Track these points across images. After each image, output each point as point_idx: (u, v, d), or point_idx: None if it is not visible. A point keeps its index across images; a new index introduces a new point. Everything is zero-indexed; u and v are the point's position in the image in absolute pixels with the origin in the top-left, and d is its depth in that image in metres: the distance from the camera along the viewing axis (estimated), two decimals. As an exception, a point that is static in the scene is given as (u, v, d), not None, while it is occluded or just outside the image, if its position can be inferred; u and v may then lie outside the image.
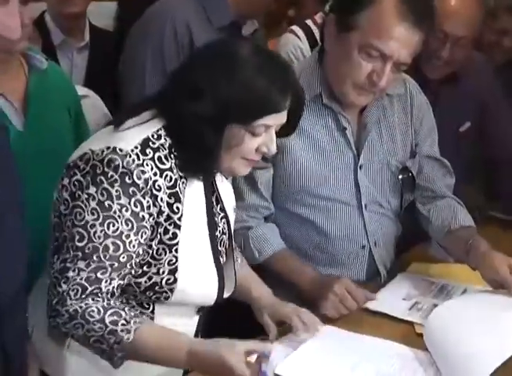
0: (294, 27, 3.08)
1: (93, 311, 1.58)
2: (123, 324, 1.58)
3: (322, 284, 2.07)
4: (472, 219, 2.27)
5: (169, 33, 2.52)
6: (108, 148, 1.62)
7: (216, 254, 1.80)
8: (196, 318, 1.86)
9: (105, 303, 1.60)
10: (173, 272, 1.69)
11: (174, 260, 1.69)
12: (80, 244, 1.60)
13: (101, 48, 3.12)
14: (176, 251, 1.69)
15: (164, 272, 1.68)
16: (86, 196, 1.61)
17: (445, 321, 1.96)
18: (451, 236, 2.22)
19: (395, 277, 2.30)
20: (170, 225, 1.68)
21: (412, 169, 2.28)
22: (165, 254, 1.68)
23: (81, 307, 1.59)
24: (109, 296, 1.62)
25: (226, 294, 1.85)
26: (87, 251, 1.60)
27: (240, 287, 1.93)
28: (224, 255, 1.87)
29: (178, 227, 1.68)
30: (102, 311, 1.58)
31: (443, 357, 1.86)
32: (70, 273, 1.59)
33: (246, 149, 1.71)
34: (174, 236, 1.68)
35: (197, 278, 1.74)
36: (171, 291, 1.71)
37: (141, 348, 1.59)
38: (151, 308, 1.75)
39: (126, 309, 1.62)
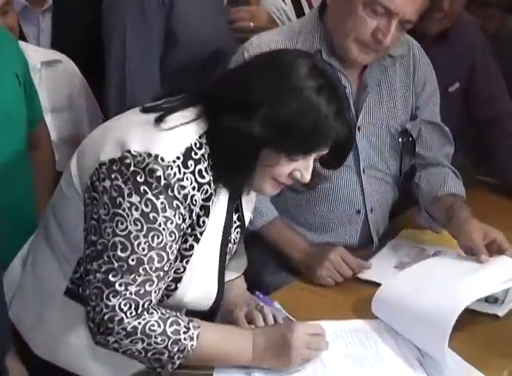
0: None
1: (153, 325, 1.55)
2: (184, 332, 1.58)
3: (317, 253, 2.06)
4: (463, 189, 2.22)
5: None
6: (149, 155, 1.53)
7: (222, 266, 1.74)
8: (183, 311, 1.79)
9: (160, 314, 1.57)
10: (176, 280, 1.65)
11: (181, 270, 1.64)
12: (122, 255, 1.53)
13: (66, 9, 2.97)
14: (187, 262, 1.64)
15: (168, 278, 1.62)
16: (128, 204, 1.53)
17: (397, 287, 1.92)
18: (437, 202, 2.18)
19: (386, 245, 2.25)
20: (191, 236, 1.63)
21: (412, 132, 2.23)
22: (175, 262, 1.62)
23: (139, 323, 1.55)
24: (132, 307, 1.55)
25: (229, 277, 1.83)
26: (131, 262, 1.53)
27: None
28: (228, 260, 1.81)
29: (197, 241, 1.64)
30: (161, 323, 1.56)
31: (401, 321, 1.83)
32: (117, 287, 1.53)
33: (280, 171, 1.62)
34: (191, 248, 1.64)
35: (197, 289, 1.69)
36: (168, 296, 1.66)
37: (206, 351, 1.61)
38: None
39: (178, 314, 1.61)
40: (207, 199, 1.61)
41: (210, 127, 1.60)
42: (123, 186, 1.53)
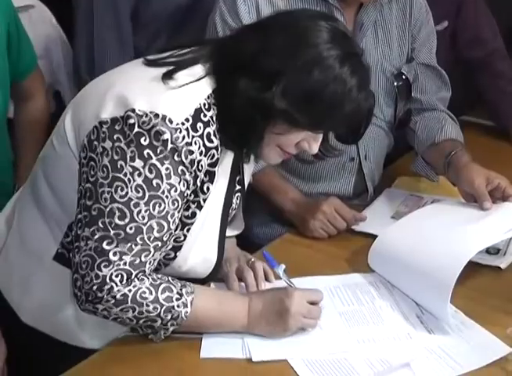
0: None
1: (144, 292, 1.49)
2: (178, 299, 1.51)
3: (309, 204, 2.00)
4: (461, 134, 2.14)
5: None
6: (156, 116, 1.44)
7: (223, 234, 1.67)
8: None
9: (151, 280, 1.50)
10: (176, 249, 1.57)
11: (182, 238, 1.57)
12: (120, 223, 1.45)
13: None
14: (188, 230, 1.56)
15: (167, 247, 1.55)
16: (130, 169, 1.44)
17: (395, 239, 1.86)
18: (434, 148, 2.11)
19: (381, 194, 2.18)
20: (193, 203, 1.55)
21: (408, 75, 2.15)
22: (176, 230, 1.54)
23: (130, 290, 1.47)
24: (124, 278, 1.48)
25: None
26: (129, 231, 1.45)
27: None
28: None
29: (200, 208, 1.56)
30: (153, 290, 1.49)
31: (400, 274, 1.77)
32: (111, 257, 1.45)
33: (288, 141, 1.54)
34: (193, 215, 1.56)
35: (196, 260, 1.63)
36: (166, 265, 1.59)
37: (201, 318, 1.55)
38: None
39: (170, 279, 1.54)
40: (213, 164, 1.53)
41: (219, 86, 1.51)
42: (125, 148, 1.44)
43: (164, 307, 1.49)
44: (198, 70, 1.51)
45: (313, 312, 1.60)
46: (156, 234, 1.47)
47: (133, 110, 1.44)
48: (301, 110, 1.46)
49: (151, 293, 1.48)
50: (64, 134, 1.54)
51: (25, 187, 1.69)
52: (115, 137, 1.45)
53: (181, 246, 1.57)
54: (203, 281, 1.68)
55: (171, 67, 1.50)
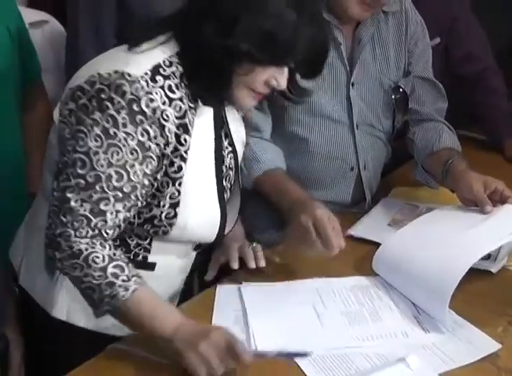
0: None
1: (98, 257, 1.53)
2: (123, 280, 1.53)
3: (306, 204, 1.88)
4: (459, 143, 2.21)
5: None
6: (116, 72, 1.53)
7: (221, 190, 1.72)
8: (193, 255, 1.80)
9: (111, 252, 1.55)
10: (174, 206, 1.62)
11: (176, 194, 1.62)
12: (81, 172, 1.52)
13: None
14: (180, 184, 1.61)
15: (164, 206, 1.61)
16: (90, 121, 1.52)
17: (399, 245, 1.92)
18: (433, 157, 2.16)
19: (379, 203, 2.25)
20: (176, 157, 1.60)
21: (405, 88, 2.21)
22: (168, 187, 1.61)
23: (86, 249, 1.53)
24: (115, 232, 1.57)
25: (226, 231, 1.78)
26: (89, 179, 1.52)
27: None
28: (228, 191, 1.79)
29: (184, 160, 1.61)
30: (106, 260, 1.53)
31: (402, 278, 1.83)
32: (73, 203, 1.52)
33: (255, 80, 1.59)
34: (179, 169, 1.61)
35: (199, 214, 1.67)
36: (170, 225, 1.64)
37: (133, 310, 1.54)
38: (148, 239, 1.69)
39: (130, 265, 1.57)
40: (183, 116, 1.58)
41: (182, 47, 1.59)
42: (87, 103, 1.54)
43: (108, 280, 1.51)
44: (161, 38, 1.60)
45: (214, 363, 1.48)
46: (115, 183, 1.53)
47: (97, 73, 1.54)
48: (263, 47, 1.52)
49: (103, 261, 1.52)
50: (54, 125, 1.64)
51: (38, 193, 1.78)
52: (77, 96, 1.55)
53: (178, 202, 1.62)
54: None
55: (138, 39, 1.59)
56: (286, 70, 1.61)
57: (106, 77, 1.53)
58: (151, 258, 1.71)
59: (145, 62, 1.55)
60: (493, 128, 2.73)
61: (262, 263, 1.81)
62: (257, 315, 1.73)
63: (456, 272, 1.71)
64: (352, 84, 2.13)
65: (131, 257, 1.68)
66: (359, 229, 2.07)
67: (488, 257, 1.95)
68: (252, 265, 1.80)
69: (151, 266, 1.72)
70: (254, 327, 1.67)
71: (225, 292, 1.81)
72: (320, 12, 1.64)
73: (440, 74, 2.55)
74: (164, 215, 1.62)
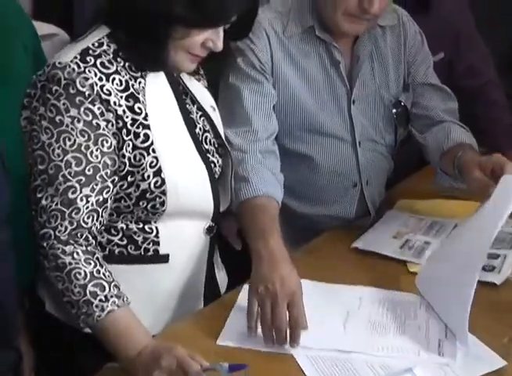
0: None
1: (80, 274, 1.55)
2: (100, 300, 1.54)
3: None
4: (472, 138, 2.17)
5: None
6: (48, 65, 1.61)
7: (201, 149, 1.76)
8: (207, 240, 1.82)
9: (95, 269, 1.56)
10: (158, 173, 1.65)
11: (155, 161, 1.64)
12: (42, 167, 1.58)
13: None
14: (153, 151, 1.64)
15: (149, 177, 1.64)
16: (38, 117, 1.59)
17: (436, 263, 1.90)
18: (445, 157, 2.13)
19: (384, 216, 2.26)
20: (138, 127, 1.63)
21: (405, 103, 2.23)
22: (144, 159, 1.63)
23: (70, 263, 1.55)
24: (94, 221, 1.60)
25: (223, 201, 1.82)
26: (50, 172, 1.57)
27: None
28: (216, 154, 1.82)
29: (148, 127, 1.64)
30: (88, 278, 1.55)
31: (437, 298, 1.81)
32: (44, 202, 1.58)
33: (192, 43, 1.65)
34: (146, 137, 1.64)
35: (185, 174, 1.70)
36: (163, 193, 1.66)
37: (106, 330, 1.54)
38: (154, 232, 1.71)
39: (113, 284, 1.57)
40: (126, 88, 1.63)
41: (113, 26, 1.65)
42: (35, 103, 1.61)
43: (85, 298, 1.53)
44: (92, 27, 1.67)
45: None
46: (75, 168, 1.57)
47: (35, 75, 1.63)
48: (194, 10, 1.57)
49: (85, 278, 1.54)
50: None
51: None
52: (28, 101, 1.63)
53: (160, 168, 1.64)
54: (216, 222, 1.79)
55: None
56: (221, 31, 1.66)
57: (41, 74, 1.61)
58: (162, 250, 1.73)
59: (73, 49, 1.62)
60: (494, 141, 2.71)
61: None
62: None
63: (469, 284, 1.68)
64: (353, 102, 2.15)
65: (142, 253, 1.71)
66: (364, 242, 2.08)
67: (492, 269, 1.97)
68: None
69: (165, 258, 1.74)
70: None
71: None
72: None
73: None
74: (152, 185, 1.64)
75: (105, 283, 1.55)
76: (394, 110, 2.22)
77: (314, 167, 2.16)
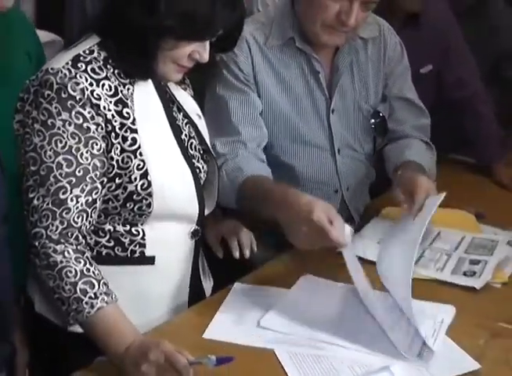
0: None
1: (71, 272, 1.60)
2: (90, 297, 1.59)
3: (298, 210, 1.79)
4: (428, 158, 2.24)
5: None
6: (41, 71, 1.66)
7: (186, 154, 1.82)
8: (192, 243, 1.87)
9: (85, 267, 1.62)
10: (144, 175, 1.71)
11: (141, 164, 1.70)
12: (34, 168, 1.63)
13: None
14: (140, 154, 1.70)
15: (136, 179, 1.70)
16: (30, 121, 1.65)
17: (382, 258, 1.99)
18: (396, 172, 2.18)
19: (369, 222, 2.32)
20: (126, 131, 1.69)
21: (383, 113, 2.28)
22: (131, 161, 1.70)
23: (61, 261, 1.60)
24: (84, 221, 1.65)
25: (209, 205, 1.88)
26: (42, 173, 1.62)
27: None
28: (201, 160, 1.88)
29: (135, 131, 1.70)
30: (78, 276, 1.60)
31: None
32: (35, 202, 1.63)
33: (179, 54, 1.71)
34: (134, 141, 1.70)
35: (170, 177, 1.76)
36: (150, 195, 1.72)
37: (95, 326, 1.60)
38: (140, 234, 1.77)
39: (102, 282, 1.62)
40: (115, 93, 1.69)
41: (104, 36, 1.71)
42: (28, 107, 1.66)
43: (76, 295, 1.58)
44: (84, 37, 1.74)
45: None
46: (66, 169, 1.62)
47: (29, 80, 1.68)
48: (184, 24, 1.65)
49: (75, 276, 1.59)
50: None
51: None
52: (20, 105, 1.68)
53: (146, 170, 1.70)
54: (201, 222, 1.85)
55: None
56: (207, 44, 1.73)
57: (33, 79, 1.66)
58: (148, 252, 1.79)
59: (65, 56, 1.68)
60: (482, 152, 2.81)
61: (247, 253, 1.92)
62: (288, 301, 1.86)
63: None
64: (332, 111, 2.21)
65: (129, 255, 1.77)
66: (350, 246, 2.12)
67: (473, 274, 2.03)
68: (236, 254, 1.91)
69: (151, 260, 1.79)
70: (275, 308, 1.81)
71: (242, 291, 1.89)
72: None
73: (432, 99, 2.68)
74: (139, 187, 1.70)
75: (94, 281, 1.61)
76: (372, 121, 2.28)
77: (295, 174, 2.22)
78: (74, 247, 1.64)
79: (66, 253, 1.62)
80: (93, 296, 1.59)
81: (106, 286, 1.63)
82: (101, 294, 1.60)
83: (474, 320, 1.82)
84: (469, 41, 2.83)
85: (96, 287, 1.61)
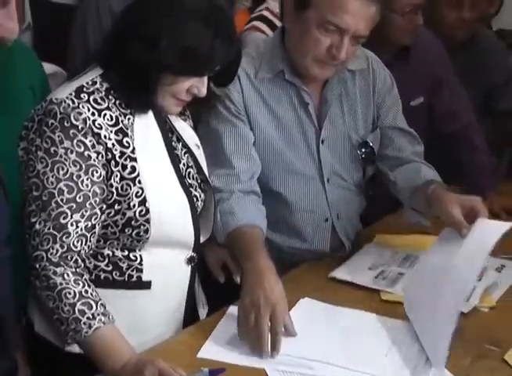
0: (256, 23, 3.08)
1: (70, 293, 1.67)
2: (88, 318, 1.66)
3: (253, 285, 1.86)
4: (439, 176, 2.26)
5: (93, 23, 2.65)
6: (45, 101, 1.73)
7: (184, 183, 1.88)
8: (188, 269, 1.93)
9: (84, 289, 1.68)
10: (143, 203, 1.77)
11: (140, 192, 1.76)
12: (36, 194, 1.70)
13: (47, 26, 3.07)
14: (139, 182, 1.76)
15: (134, 206, 1.76)
16: (34, 148, 1.71)
17: (416, 289, 2.02)
18: (416, 194, 2.21)
19: (362, 248, 2.37)
20: (126, 160, 1.76)
21: (372, 144, 2.33)
22: (130, 189, 1.75)
23: (60, 283, 1.67)
24: (83, 245, 1.71)
25: (204, 232, 1.95)
26: (44, 198, 1.69)
27: None
28: (198, 189, 1.94)
29: (135, 160, 1.76)
30: (77, 297, 1.67)
31: (420, 324, 1.92)
32: (37, 226, 1.69)
33: (178, 89, 1.79)
34: (133, 169, 1.76)
35: (168, 205, 1.82)
36: (148, 221, 1.78)
37: (93, 346, 1.67)
38: (138, 260, 1.82)
39: (100, 303, 1.69)
40: (116, 123, 1.75)
41: (107, 68, 1.78)
42: (33, 136, 1.73)
43: (74, 316, 1.65)
44: (88, 69, 1.80)
45: None
46: (67, 195, 1.69)
47: (33, 109, 1.75)
48: (184, 60, 1.72)
49: (74, 298, 1.66)
50: None
51: None
52: (24, 134, 1.75)
53: (144, 198, 1.76)
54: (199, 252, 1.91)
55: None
56: (205, 79, 1.80)
57: (39, 108, 1.73)
58: (145, 277, 1.84)
59: (69, 87, 1.75)
60: (475, 182, 2.80)
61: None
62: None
63: (450, 318, 1.78)
64: (322, 141, 2.25)
65: (126, 279, 1.83)
66: (341, 272, 2.19)
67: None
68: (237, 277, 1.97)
69: (147, 285, 1.85)
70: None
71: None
72: (234, 30, 1.83)
73: (424, 131, 2.67)
74: (137, 214, 1.76)
75: (92, 303, 1.67)
76: (362, 150, 2.31)
77: (286, 203, 2.26)
78: (73, 269, 1.71)
79: (65, 275, 1.68)
80: (91, 317, 1.65)
81: (103, 307, 1.69)
82: (98, 314, 1.66)
83: (461, 342, 1.85)
84: (460, 73, 2.89)
85: (94, 308, 1.67)
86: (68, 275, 1.69)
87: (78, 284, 1.68)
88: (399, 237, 2.44)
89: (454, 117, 2.86)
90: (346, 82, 2.27)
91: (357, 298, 2.09)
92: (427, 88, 2.82)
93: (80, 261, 1.72)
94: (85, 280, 1.71)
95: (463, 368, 1.79)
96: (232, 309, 1.96)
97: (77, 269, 1.71)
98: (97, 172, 1.72)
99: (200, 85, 1.80)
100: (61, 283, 1.67)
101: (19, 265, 1.70)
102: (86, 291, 1.69)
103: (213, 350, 1.79)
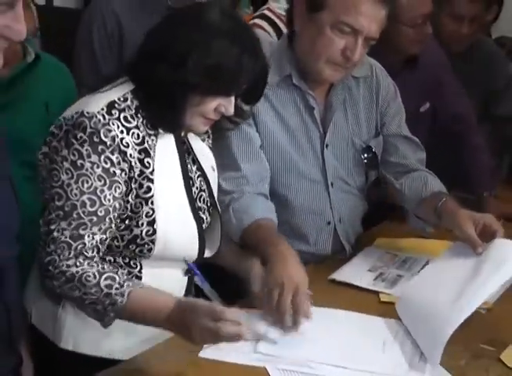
0: (258, 21, 3.13)
1: (89, 276, 1.69)
2: (117, 288, 1.69)
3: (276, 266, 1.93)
4: (444, 188, 2.30)
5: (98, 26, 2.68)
6: (77, 113, 1.74)
7: (194, 206, 1.90)
8: (185, 280, 1.96)
9: (99, 267, 1.72)
10: (151, 223, 1.80)
11: (151, 212, 1.79)
12: (59, 203, 1.72)
13: (54, 37, 3.11)
14: (152, 203, 1.79)
15: (143, 225, 1.79)
16: (60, 158, 1.73)
17: (416, 292, 2.05)
18: (423, 204, 2.26)
19: (361, 251, 2.40)
20: (143, 179, 1.78)
21: (375, 148, 2.36)
22: (142, 207, 1.79)
23: (77, 272, 1.70)
24: (95, 253, 1.73)
25: (208, 252, 1.96)
26: (66, 209, 1.71)
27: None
28: (206, 212, 1.97)
29: (151, 181, 1.79)
30: (97, 275, 1.70)
31: (415, 324, 1.96)
32: (55, 234, 1.71)
33: (206, 109, 1.81)
34: (149, 189, 1.79)
35: (175, 228, 1.84)
36: (152, 242, 1.81)
37: (132, 309, 1.69)
38: (138, 268, 1.87)
39: (119, 272, 1.74)
40: (142, 142, 1.78)
41: (137, 85, 1.80)
42: (57, 144, 1.75)
43: (104, 292, 1.67)
44: (119, 81, 1.83)
45: (216, 329, 1.61)
46: (89, 208, 1.71)
47: (62, 117, 1.77)
48: (211, 80, 1.74)
49: (95, 277, 1.69)
50: None
51: None
52: (49, 140, 1.77)
53: (154, 219, 1.79)
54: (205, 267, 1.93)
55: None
56: (232, 97, 1.82)
57: (69, 119, 1.74)
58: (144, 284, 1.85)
59: (101, 100, 1.77)
60: (477, 182, 2.88)
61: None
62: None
63: (457, 319, 1.84)
64: (326, 145, 2.29)
65: None
66: (341, 274, 2.23)
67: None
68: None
69: None
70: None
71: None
72: (260, 47, 1.84)
73: (428, 134, 2.77)
74: (144, 233, 1.79)
75: (113, 274, 1.71)
76: (364, 155, 2.35)
77: (289, 206, 2.28)
78: (83, 260, 1.73)
79: (77, 263, 1.70)
80: (119, 286, 1.69)
81: (124, 275, 1.75)
82: (124, 281, 1.70)
83: (457, 342, 1.87)
84: (459, 79, 2.93)
85: (117, 278, 1.70)
86: (80, 262, 1.71)
87: (92, 266, 1.71)
88: (399, 241, 2.48)
89: (458, 120, 2.92)
90: (350, 88, 2.31)
91: (356, 300, 2.12)
92: (432, 94, 2.86)
93: (92, 262, 1.75)
94: (96, 262, 1.73)
95: (459, 368, 1.82)
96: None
97: (87, 260, 1.74)
98: (119, 188, 1.75)
99: (227, 104, 1.82)
100: (77, 272, 1.69)
101: (25, 262, 1.75)
102: (103, 268, 1.72)
103: (215, 350, 1.80)
